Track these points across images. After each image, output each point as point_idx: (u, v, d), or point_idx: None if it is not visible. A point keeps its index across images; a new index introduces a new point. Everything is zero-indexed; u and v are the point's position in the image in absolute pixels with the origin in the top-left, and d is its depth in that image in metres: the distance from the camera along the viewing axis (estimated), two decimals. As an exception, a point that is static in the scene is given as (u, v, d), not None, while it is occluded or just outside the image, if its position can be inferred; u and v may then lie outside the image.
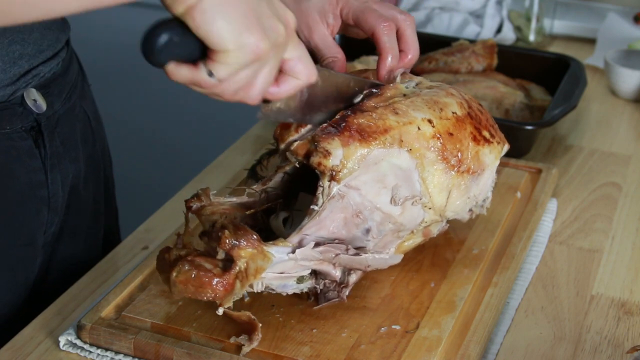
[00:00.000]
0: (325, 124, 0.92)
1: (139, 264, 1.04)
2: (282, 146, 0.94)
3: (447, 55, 1.57)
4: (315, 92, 0.87)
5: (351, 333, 0.93)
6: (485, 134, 1.00)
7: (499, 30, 1.80)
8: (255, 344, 0.89)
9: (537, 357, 0.94)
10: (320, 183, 0.90)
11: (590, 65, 1.68)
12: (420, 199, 0.95)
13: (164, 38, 0.72)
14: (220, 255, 0.85)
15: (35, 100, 1.04)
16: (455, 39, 1.61)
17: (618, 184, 1.29)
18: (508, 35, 1.78)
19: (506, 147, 1.04)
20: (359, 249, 0.94)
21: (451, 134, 0.95)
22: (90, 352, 0.93)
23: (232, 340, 0.91)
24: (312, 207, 0.91)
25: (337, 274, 0.94)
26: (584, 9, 1.93)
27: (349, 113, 0.93)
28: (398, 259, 0.97)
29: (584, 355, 0.95)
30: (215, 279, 0.84)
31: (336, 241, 0.92)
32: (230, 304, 0.86)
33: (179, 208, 1.21)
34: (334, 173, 0.90)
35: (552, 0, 1.80)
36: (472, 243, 1.09)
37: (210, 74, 0.75)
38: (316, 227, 0.91)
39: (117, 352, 0.92)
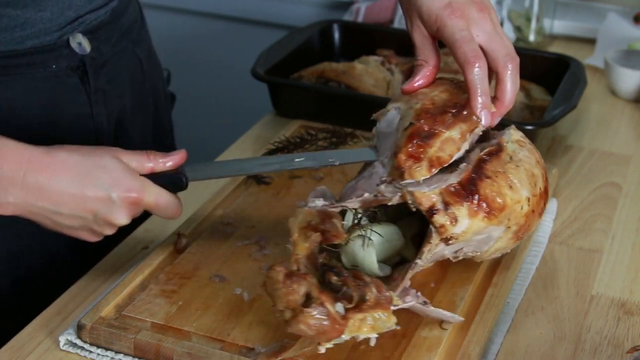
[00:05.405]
0: (455, 182, 0.90)
1: (139, 263, 1.04)
2: (407, 179, 0.90)
3: (448, 55, 1.55)
4: None
5: (351, 333, 0.93)
6: (543, 205, 0.99)
7: (499, 30, 1.79)
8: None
9: (537, 357, 0.94)
10: (431, 240, 0.90)
11: (590, 65, 1.68)
12: (477, 253, 0.97)
13: None
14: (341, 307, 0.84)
15: (80, 43, 1.12)
16: (456, 39, 1.60)
17: (618, 184, 1.29)
18: (508, 35, 1.77)
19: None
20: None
21: (533, 211, 0.96)
22: (90, 351, 0.93)
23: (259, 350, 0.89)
24: (416, 261, 0.90)
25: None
26: (584, 9, 1.92)
27: (474, 175, 0.91)
28: (458, 319, 0.94)
29: (584, 355, 0.95)
30: (336, 327, 0.82)
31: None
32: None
33: (179, 208, 1.21)
34: (449, 238, 0.89)
35: (552, 0, 1.80)
36: (472, 243, 1.08)
37: None
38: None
39: (117, 352, 0.92)
